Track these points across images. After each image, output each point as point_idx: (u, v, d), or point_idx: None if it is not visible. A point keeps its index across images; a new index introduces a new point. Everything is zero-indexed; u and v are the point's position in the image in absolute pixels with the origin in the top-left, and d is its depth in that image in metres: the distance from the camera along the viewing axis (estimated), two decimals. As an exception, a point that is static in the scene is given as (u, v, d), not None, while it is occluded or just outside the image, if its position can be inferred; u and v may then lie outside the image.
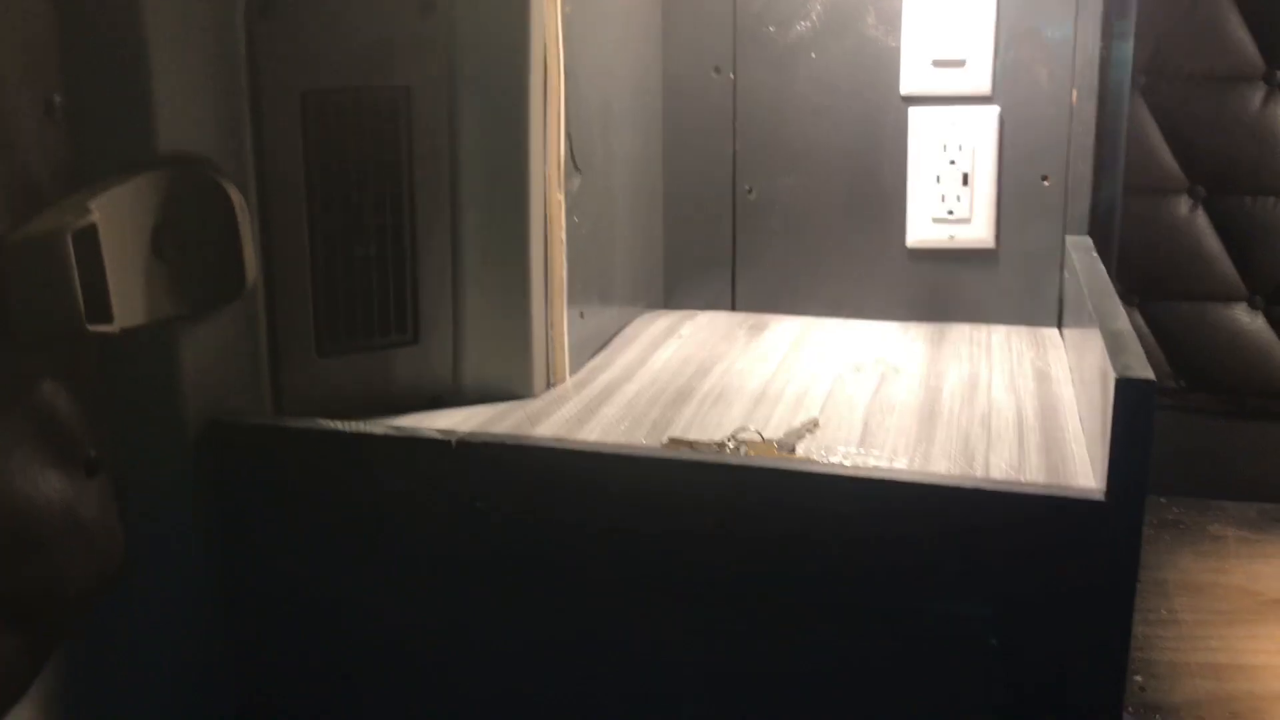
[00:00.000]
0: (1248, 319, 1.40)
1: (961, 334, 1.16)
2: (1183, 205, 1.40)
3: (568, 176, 0.97)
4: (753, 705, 0.75)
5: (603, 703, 0.78)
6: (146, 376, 0.79)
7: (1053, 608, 0.68)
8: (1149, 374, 0.66)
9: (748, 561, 0.73)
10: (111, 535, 0.76)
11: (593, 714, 0.79)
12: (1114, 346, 0.74)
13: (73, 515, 0.72)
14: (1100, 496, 0.66)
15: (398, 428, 0.81)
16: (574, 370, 1.03)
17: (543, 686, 0.79)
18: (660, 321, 1.23)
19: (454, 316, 0.92)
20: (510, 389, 0.95)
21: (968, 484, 0.70)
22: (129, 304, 0.72)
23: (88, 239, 0.67)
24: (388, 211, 0.88)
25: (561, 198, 0.96)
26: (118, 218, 0.70)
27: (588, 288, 1.05)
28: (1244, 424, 1.40)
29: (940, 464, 0.82)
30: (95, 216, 0.67)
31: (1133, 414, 0.65)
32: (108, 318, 0.69)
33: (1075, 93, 1.14)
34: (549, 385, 0.98)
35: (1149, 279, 1.41)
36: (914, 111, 1.18)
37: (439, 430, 0.79)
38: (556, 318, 0.97)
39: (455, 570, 0.79)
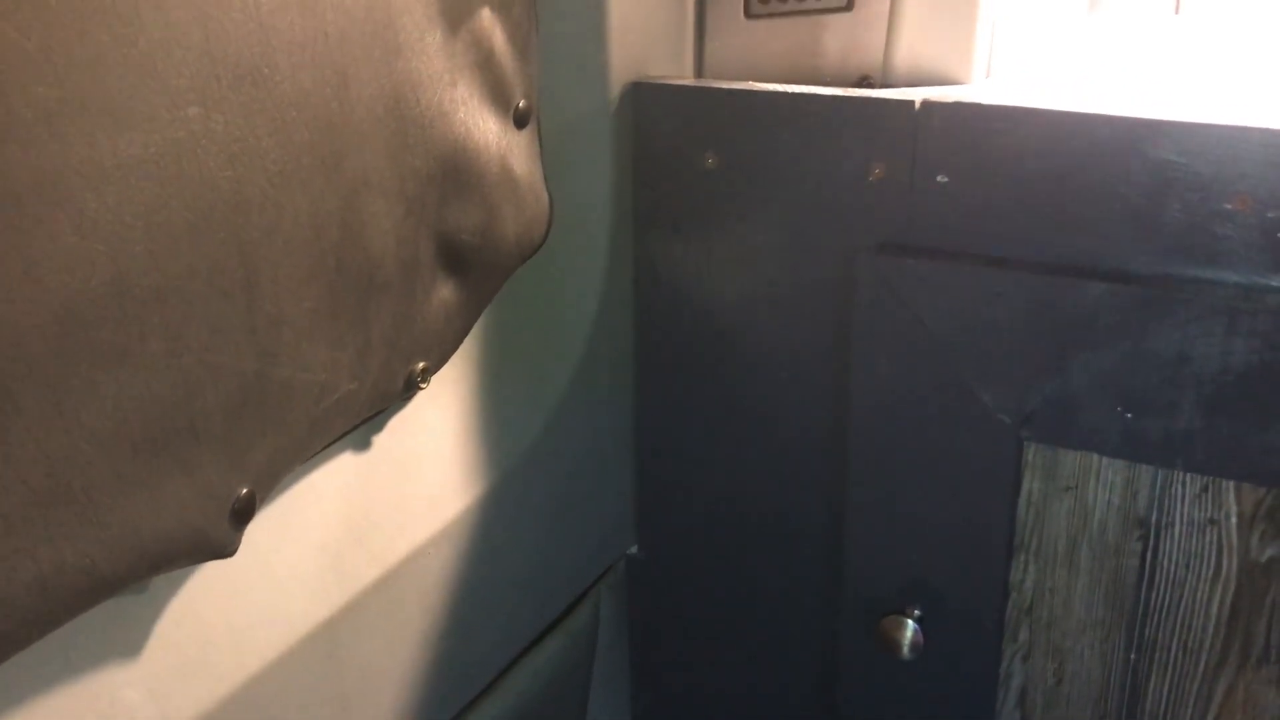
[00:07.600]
0: None
1: None
2: None
3: None
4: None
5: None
6: (573, 34, 0.76)
7: None
8: None
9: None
10: (538, 196, 0.75)
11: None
12: None
13: (505, 165, 0.71)
14: None
15: (835, 94, 0.74)
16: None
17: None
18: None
19: (893, -17, 0.82)
20: (945, 72, 0.85)
21: None
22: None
23: None
24: None
25: None
26: None
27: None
28: None
29: None
30: None
31: None
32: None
33: None
34: (986, 74, 0.86)
35: None
36: None
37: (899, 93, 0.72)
38: (1006, -5, 0.84)
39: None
